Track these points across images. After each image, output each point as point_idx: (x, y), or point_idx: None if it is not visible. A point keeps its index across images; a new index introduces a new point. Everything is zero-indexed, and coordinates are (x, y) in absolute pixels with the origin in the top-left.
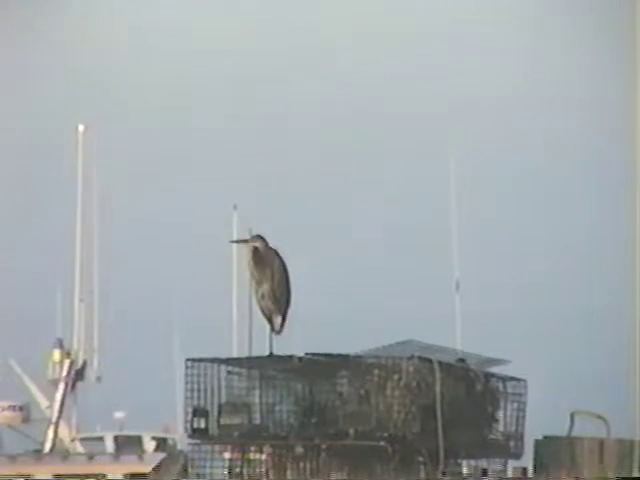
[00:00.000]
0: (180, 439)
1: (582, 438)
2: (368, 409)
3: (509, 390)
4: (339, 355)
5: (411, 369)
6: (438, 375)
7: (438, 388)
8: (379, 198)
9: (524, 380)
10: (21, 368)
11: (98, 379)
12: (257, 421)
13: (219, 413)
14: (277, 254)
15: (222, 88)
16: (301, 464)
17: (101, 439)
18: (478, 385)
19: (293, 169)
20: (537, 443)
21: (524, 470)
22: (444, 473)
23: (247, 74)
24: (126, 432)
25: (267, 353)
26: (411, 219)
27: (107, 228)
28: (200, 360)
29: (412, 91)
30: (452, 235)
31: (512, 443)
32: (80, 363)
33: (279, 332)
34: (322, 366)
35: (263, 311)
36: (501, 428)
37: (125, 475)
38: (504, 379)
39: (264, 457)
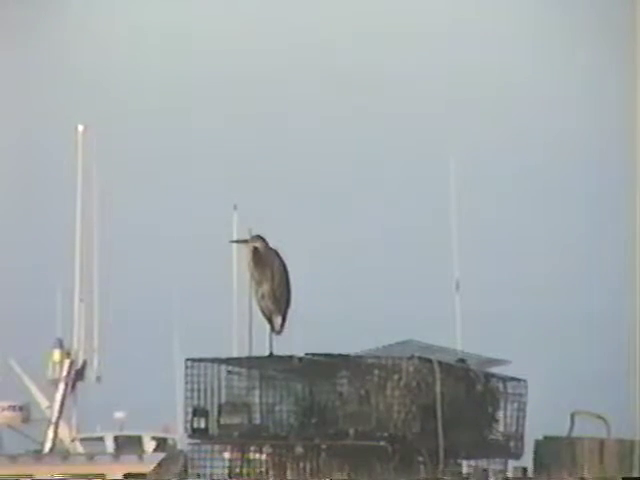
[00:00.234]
0: (180, 439)
1: (582, 438)
2: (368, 409)
3: (509, 390)
4: (339, 355)
5: (411, 369)
6: (438, 375)
7: (438, 388)
8: (379, 198)
9: (524, 380)
10: (21, 368)
11: (98, 379)
12: (257, 421)
13: (219, 413)
14: (277, 254)
15: (222, 88)
16: (301, 464)
17: (101, 439)
18: (478, 385)
19: (293, 169)
20: (537, 443)
21: (524, 470)
22: (444, 473)
23: (247, 74)
24: (126, 432)
25: (267, 353)
26: (411, 219)
27: (107, 228)
28: (200, 360)
29: (412, 91)
30: (452, 235)
31: (512, 443)
32: (80, 363)
33: (279, 332)
34: (322, 366)
35: (263, 311)
36: (501, 428)
37: (125, 475)
38: (504, 379)
39: (264, 457)
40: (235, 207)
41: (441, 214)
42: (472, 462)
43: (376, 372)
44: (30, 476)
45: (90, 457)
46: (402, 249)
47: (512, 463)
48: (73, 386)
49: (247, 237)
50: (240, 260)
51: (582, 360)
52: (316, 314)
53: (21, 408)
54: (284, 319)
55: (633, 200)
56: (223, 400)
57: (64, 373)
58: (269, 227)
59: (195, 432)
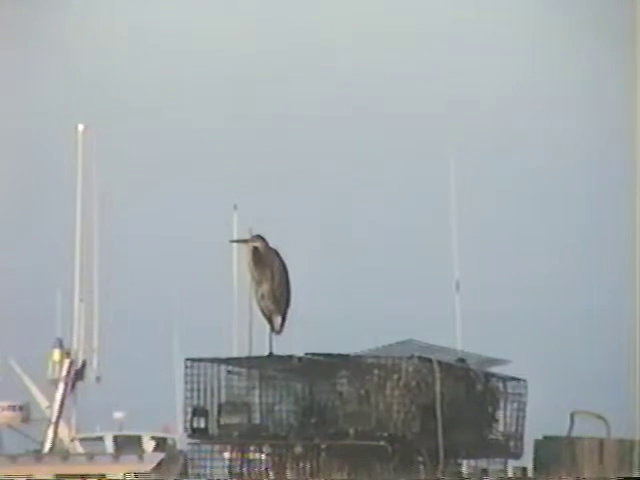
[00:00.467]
0: (180, 439)
1: (582, 438)
2: (368, 409)
3: (509, 390)
4: (339, 355)
5: (411, 369)
6: (438, 375)
7: (438, 388)
8: (379, 198)
9: (524, 380)
10: (21, 368)
11: (98, 379)
12: (257, 421)
13: (219, 413)
14: (277, 254)
15: (222, 88)
16: (301, 464)
17: (101, 439)
18: (478, 385)
19: (293, 169)
20: (537, 443)
21: (524, 470)
22: (444, 473)
23: (247, 74)
24: (126, 432)
25: (267, 353)
26: (411, 219)
27: (107, 228)
28: (200, 360)
29: (412, 91)
30: (452, 235)
31: (512, 443)
32: (80, 363)
33: (279, 332)
34: (322, 366)
35: (263, 311)
36: (501, 428)
37: (125, 475)
38: (504, 379)
39: (264, 457)
40: (235, 207)
41: (441, 214)
42: (472, 462)
43: (376, 372)
44: (30, 476)
45: (90, 457)
46: (402, 249)
47: (512, 463)
48: (73, 386)
49: (247, 237)
50: (240, 260)
51: (582, 360)
52: (316, 314)
53: (21, 408)
54: (284, 319)
55: (633, 200)
56: (223, 400)
57: (64, 373)
58: (269, 227)
59: (195, 432)
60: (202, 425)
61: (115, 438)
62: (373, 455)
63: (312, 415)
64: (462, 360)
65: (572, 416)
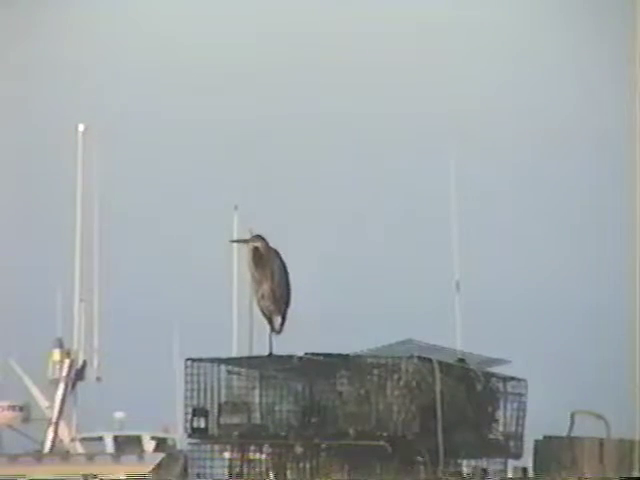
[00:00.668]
0: (180, 439)
1: (582, 438)
2: (368, 409)
3: (509, 390)
4: (339, 355)
5: (411, 369)
6: (438, 375)
7: (438, 388)
8: (379, 198)
9: (524, 380)
10: (21, 368)
11: (98, 379)
12: (257, 421)
13: (219, 413)
14: (277, 254)
15: (222, 88)
16: (301, 464)
17: (101, 439)
18: (478, 385)
19: (293, 169)
20: (537, 443)
21: (524, 470)
22: (444, 473)
23: (247, 74)
24: (126, 432)
25: (267, 353)
26: (411, 219)
27: (107, 228)
28: (200, 360)
29: (412, 91)
30: (452, 235)
31: (512, 443)
32: (80, 363)
33: (279, 332)
34: (322, 366)
35: (263, 311)
36: (501, 428)
37: (125, 475)
38: (504, 379)
39: (264, 457)
40: (236, 207)
41: (441, 214)
42: (472, 462)
43: (376, 372)
44: (30, 476)
45: (90, 457)
46: (402, 249)
47: (512, 463)
48: (73, 386)
49: (247, 237)
50: (240, 260)
51: (582, 360)
52: (316, 314)
53: (21, 408)
54: (284, 319)
55: (633, 199)
56: (223, 400)
57: (64, 373)
58: (269, 227)
59: (195, 432)
60: (202, 425)
61: (115, 438)
62: (373, 455)
63: (312, 415)
64: (462, 360)
65: (572, 416)
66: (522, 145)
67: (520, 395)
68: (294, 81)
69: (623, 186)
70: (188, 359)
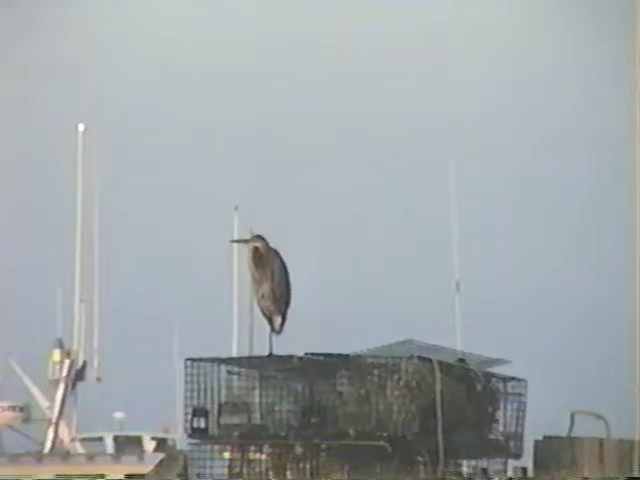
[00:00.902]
0: (180, 439)
1: (582, 438)
2: (368, 409)
3: (509, 390)
4: (339, 355)
5: (411, 369)
6: (438, 375)
7: (438, 388)
8: (379, 198)
9: (524, 380)
10: (22, 368)
11: (98, 379)
12: (257, 421)
13: (219, 413)
14: (277, 254)
15: (223, 88)
16: (301, 464)
17: (101, 439)
18: (478, 385)
19: (293, 169)
20: (537, 443)
21: (524, 470)
22: (444, 473)
23: (248, 73)
24: (126, 432)
25: (267, 353)
26: (411, 219)
27: (107, 228)
28: (200, 360)
29: (412, 91)
30: (452, 235)
31: (512, 443)
32: (80, 363)
33: (279, 332)
34: (322, 366)
35: (263, 311)
36: (501, 428)
37: (125, 476)
38: (504, 379)
39: (264, 457)
40: (236, 207)
41: (441, 214)
42: (472, 462)
43: (376, 372)
44: (30, 476)
45: (90, 457)
46: (402, 249)
47: (512, 463)
48: (73, 386)
49: (247, 237)
50: (240, 260)
51: (582, 360)
52: (316, 314)
53: (21, 408)
54: (284, 319)
55: (633, 199)
56: (223, 400)
57: (64, 373)
58: (269, 227)
59: (195, 432)
60: (202, 425)
61: (115, 438)
62: (373, 455)
63: (312, 415)
64: (462, 360)
65: (572, 416)
66: (522, 145)
67: (520, 395)
68: (294, 81)
69: (623, 186)
70: (188, 359)
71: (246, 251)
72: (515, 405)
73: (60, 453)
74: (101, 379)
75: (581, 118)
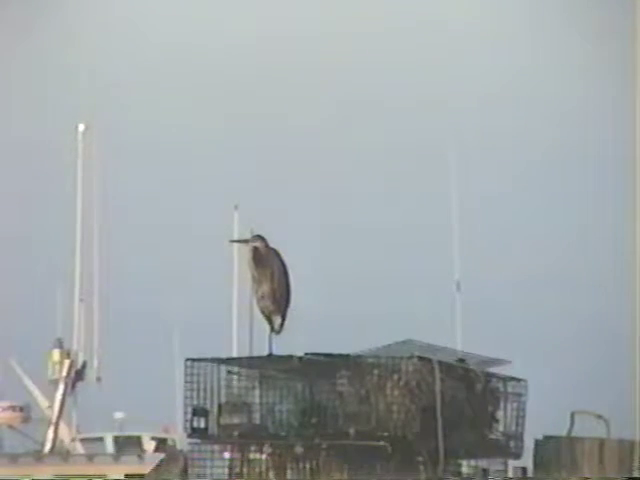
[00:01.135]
0: (180, 439)
1: (582, 438)
2: (368, 409)
3: (509, 390)
4: (339, 355)
5: (411, 369)
6: (438, 375)
7: (438, 388)
8: (379, 198)
9: (524, 380)
10: (21, 368)
11: (98, 379)
12: (257, 421)
13: (219, 413)
14: (277, 254)
15: (223, 87)
16: (301, 464)
17: (101, 439)
18: (478, 385)
19: (293, 169)
20: (537, 443)
21: (524, 470)
22: (444, 473)
23: (248, 73)
24: (126, 432)
25: (267, 353)
26: (411, 219)
27: (107, 228)
28: (200, 360)
29: (412, 90)
30: (453, 235)
31: (512, 443)
32: (80, 363)
33: (279, 332)
34: (322, 366)
35: (263, 311)
36: (501, 428)
37: (125, 475)
38: (504, 379)
39: (264, 457)
40: (236, 207)
41: (441, 213)
42: (472, 462)
43: (376, 372)
44: (30, 476)
45: (90, 457)
46: (402, 249)
47: (512, 463)
48: (73, 386)
49: (247, 237)
50: (240, 260)
51: (582, 360)
52: (316, 314)
53: (21, 408)
54: (284, 319)
55: (633, 200)
56: (223, 400)
57: (64, 373)
58: (269, 227)
59: (195, 432)
60: (202, 425)
61: (115, 438)
62: (373, 455)
63: (312, 415)
64: (462, 360)
65: (572, 416)
66: (522, 145)
67: (520, 395)
68: (294, 81)
69: (623, 187)
70: (188, 359)
71: (246, 251)
72: (515, 405)
73: (60, 453)
74: (101, 379)
75: (581, 118)
